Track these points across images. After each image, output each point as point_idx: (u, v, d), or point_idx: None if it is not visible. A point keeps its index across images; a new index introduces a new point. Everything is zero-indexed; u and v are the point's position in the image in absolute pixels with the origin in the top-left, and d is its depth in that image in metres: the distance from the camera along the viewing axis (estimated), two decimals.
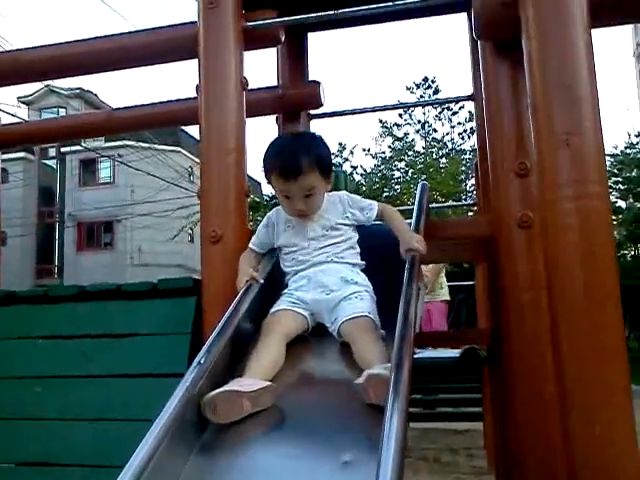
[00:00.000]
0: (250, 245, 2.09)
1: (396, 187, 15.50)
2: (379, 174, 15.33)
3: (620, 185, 17.14)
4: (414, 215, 2.27)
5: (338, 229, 1.95)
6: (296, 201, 1.89)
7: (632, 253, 19.08)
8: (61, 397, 2.31)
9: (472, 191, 14.55)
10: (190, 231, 19.59)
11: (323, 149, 1.95)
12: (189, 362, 2.16)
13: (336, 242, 1.94)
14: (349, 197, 2.02)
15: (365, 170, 15.59)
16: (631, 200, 17.10)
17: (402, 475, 1.08)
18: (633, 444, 1.65)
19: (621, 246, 18.79)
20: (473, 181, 15.06)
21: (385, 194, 14.41)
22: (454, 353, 6.33)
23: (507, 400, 2.82)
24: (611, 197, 18.08)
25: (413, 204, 2.43)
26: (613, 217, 18.97)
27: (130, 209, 23.74)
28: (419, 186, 2.55)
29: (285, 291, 1.96)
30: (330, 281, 1.87)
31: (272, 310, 1.88)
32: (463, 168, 15.31)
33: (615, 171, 17.11)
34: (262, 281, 1.92)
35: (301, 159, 1.83)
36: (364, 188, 15.04)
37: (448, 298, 6.81)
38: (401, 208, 3.22)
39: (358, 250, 1.99)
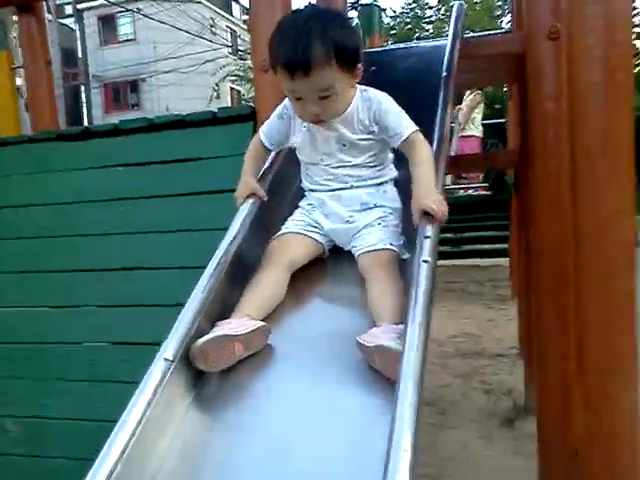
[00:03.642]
0: (260, 134, 1.69)
1: (427, 28, 14.85)
2: (410, 13, 14.64)
3: None
4: (448, 42, 2.40)
5: (359, 145, 1.53)
6: (308, 104, 1.44)
7: None
8: (144, 214, 2.69)
9: (509, 31, 13.93)
10: (216, 87, 19.43)
11: (345, 31, 1.42)
12: None
13: (356, 163, 1.55)
14: (382, 105, 1.51)
15: (394, 11, 14.96)
16: None
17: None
18: None
19: None
20: (509, 17, 14.38)
21: (416, 34, 13.88)
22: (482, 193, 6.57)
23: (530, 221, 3.14)
24: None
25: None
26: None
27: (154, 66, 23.39)
28: (455, 7, 2.57)
29: (299, 206, 1.66)
30: (348, 209, 1.56)
31: (280, 232, 1.60)
32: (499, 3, 14.49)
33: None
34: (265, 198, 1.62)
35: (312, 46, 1.34)
36: (394, 30, 14.49)
37: (481, 135, 6.89)
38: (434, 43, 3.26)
39: (388, 158, 1.62)
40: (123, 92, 25.04)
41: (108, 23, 24.72)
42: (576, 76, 2.07)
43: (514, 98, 4.77)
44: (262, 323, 1.34)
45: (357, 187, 1.56)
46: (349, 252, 1.56)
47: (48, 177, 2.88)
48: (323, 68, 1.37)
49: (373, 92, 1.53)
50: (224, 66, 16.89)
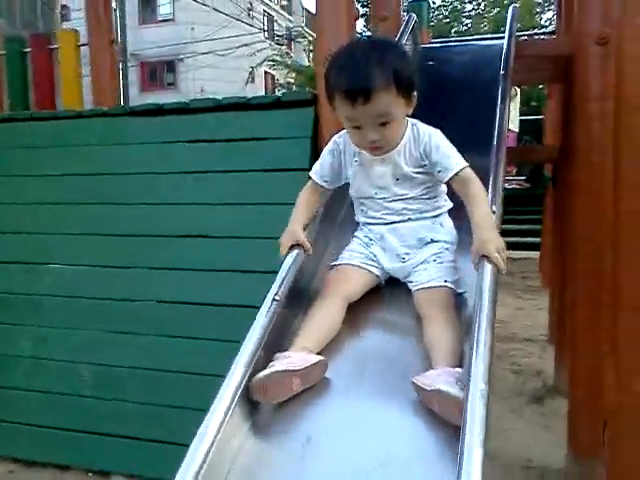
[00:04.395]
0: (311, 175, 1.66)
1: (466, 22, 14.86)
2: (450, 6, 14.66)
3: None
4: (505, 42, 2.57)
5: (414, 179, 1.54)
6: (368, 131, 1.45)
7: None
8: (209, 187, 2.93)
9: (547, 25, 13.90)
10: (250, 69, 19.59)
11: (403, 59, 1.46)
12: (310, 161, 2.75)
13: (413, 196, 1.55)
14: (431, 139, 1.52)
15: (434, 2, 14.96)
16: None
17: None
18: None
19: None
20: (549, 15, 14.35)
21: (454, 29, 13.91)
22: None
23: (568, 214, 3.30)
24: None
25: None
26: None
27: (191, 47, 23.66)
28: (510, 9, 2.77)
29: (356, 236, 1.66)
30: (404, 244, 1.56)
31: (338, 261, 1.60)
32: (539, 0, 14.43)
33: None
34: (310, 251, 1.57)
35: (373, 74, 1.37)
36: (432, 23, 14.50)
37: (517, 130, 6.96)
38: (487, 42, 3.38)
39: (442, 190, 1.60)
40: (160, 71, 25.29)
41: (148, 3, 25.02)
42: (623, 80, 2.22)
43: (555, 97, 4.90)
44: (320, 358, 1.32)
45: (414, 220, 1.56)
46: (405, 283, 1.57)
47: (122, 149, 3.14)
48: (383, 93, 1.39)
49: (423, 127, 1.55)
50: (260, 50, 17.06)
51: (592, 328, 2.60)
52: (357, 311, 1.51)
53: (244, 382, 1.23)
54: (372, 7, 3.82)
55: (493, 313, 1.20)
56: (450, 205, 1.62)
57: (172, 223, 2.93)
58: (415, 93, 1.48)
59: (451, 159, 1.49)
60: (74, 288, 2.98)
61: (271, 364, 1.27)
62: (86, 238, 3.06)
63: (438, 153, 1.50)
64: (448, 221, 1.61)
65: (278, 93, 16.23)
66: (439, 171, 1.50)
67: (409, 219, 1.56)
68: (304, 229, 1.59)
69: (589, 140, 2.71)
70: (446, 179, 1.50)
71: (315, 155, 2.74)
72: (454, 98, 2.61)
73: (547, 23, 14.11)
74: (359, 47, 1.47)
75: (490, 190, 1.66)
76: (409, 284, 1.54)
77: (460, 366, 1.25)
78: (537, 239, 6.27)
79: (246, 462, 1.18)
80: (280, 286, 1.44)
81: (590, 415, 2.61)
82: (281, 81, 19.31)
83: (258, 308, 2.59)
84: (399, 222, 1.57)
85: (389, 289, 1.60)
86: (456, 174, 1.48)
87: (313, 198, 1.66)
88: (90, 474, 2.68)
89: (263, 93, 20.55)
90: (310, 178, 1.67)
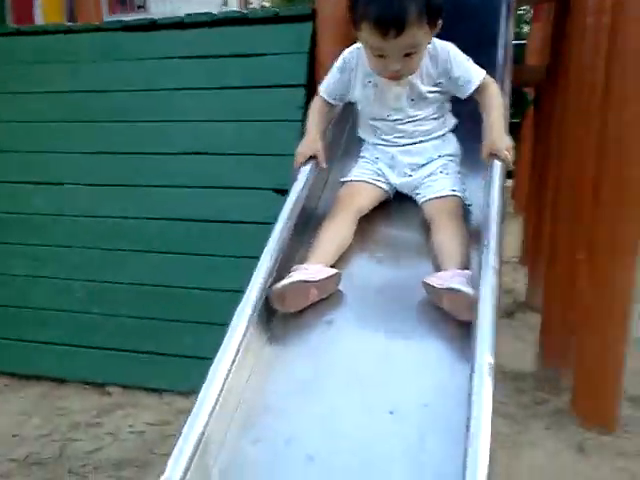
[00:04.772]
0: (320, 92, 1.70)
1: None
2: None
3: None
4: None
5: (427, 99, 1.58)
6: (392, 62, 1.46)
7: None
8: (198, 105, 2.96)
9: None
10: None
11: None
12: (307, 77, 2.81)
13: (425, 116, 1.60)
14: (450, 55, 1.55)
15: None
16: None
17: None
18: None
19: None
20: None
21: None
22: None
23: (551, 137, 3.43)
24: None
25: None
26: None
27: None
28: None
29: (364, 156, 1.71)
30: (414, 163, 1.62)
31: (348, 178, 1.66)
32: None
33: None
34: (325, 165, 1.62)
35: (408, 6, 1.35)
36: None
37: None
38: None
39: (448, 109, 1.67)
40: None
41: None
42: None
43: (542, 19, 4.92)
44: (335, 270, 1.39)
45: (425, 141, 1.61)
46: (411, 197, 1.64)
47: (116, 65, 3.13)
48: (415, 26, 1.37)
49: (438, 44, 1.54)
50: None
51: (571, 240, 2.80)
52: (366, 225, 1.57)
53: (263, 292, 1.29)
54: None
55: (503, 209, 1.31)
56: (455, 121, 1.68)
57: (169, 140, 2.97)
58: (441, 20, 1.47)
59: (471, 72, 1.54)
60: (70, 207, 3.02)
61: (290, 274, 1.33)
62: (81, 156, 3.07)
63: (459, 68, 1.54)
64: (453, 137, 1.67)
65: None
66: (461, 85, 1.54)
67: (420, 141, 1.61)
68: (321, 138, 1.63)
69: (580, 57, 2.80)
70: (468, 93, 1.54)
71: (311, 70, 2.82)
72: (459, 15, 2.64)
73: None
74: None
75: None
76: (417, 196, 1.60)
77: (469, 268, 1.31)
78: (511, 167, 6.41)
79: (265, 368, 1.25)
80: (294, 203, 1.48)
81: (561, 321, 2.87)
82: (254, 4, 18.61)
83: (260, 224, 2.72)
84: (411, 144, 1.61)
85: (396, 203, 1.66)
86: (478, 86, 1.53)
87: (323, 113, 1.68)
88: (86, 386, 2.78)
89: None
90: (319, 95, 1.69)
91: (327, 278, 1.35)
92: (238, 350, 1.17)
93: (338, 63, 1.65)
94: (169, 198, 2.90)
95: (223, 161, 2.88)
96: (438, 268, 1.36)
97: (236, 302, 2.80)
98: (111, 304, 2.86)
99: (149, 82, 3.06)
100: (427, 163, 1.60)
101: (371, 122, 1.66)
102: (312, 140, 1.61)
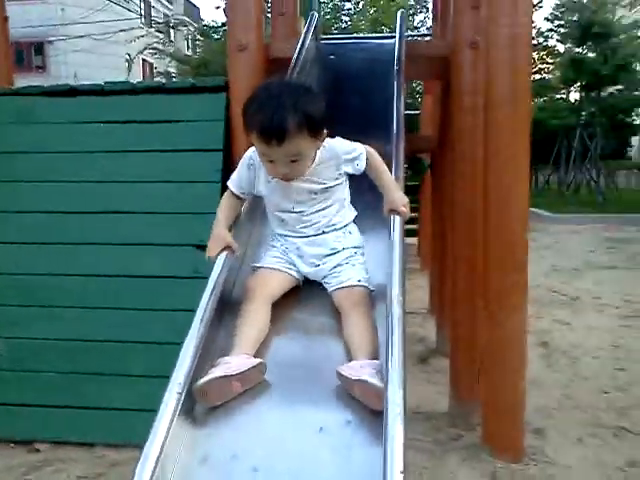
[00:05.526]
0: (229, 185, 1.80)
1: (346, 19, 15.51)
2: (330, 3, 15.20)
3: (561, 29, 17.79)
4: (396, 42, 2.97)
5: (328, 191, 1.71)
6: (280, 166, 1.59)
7: (564, 96, 20.38)
8: (120, 167, 3.08)
9: (419, 27, 14.96)
10: (128, 57, 18.91)
11: (315, 103, 1.58)
12: (224, 142, 3.00)
13: (326, 206, 1.72)
14: (344, 150, 1.72)
15: None
16: (569, 45, 17.87)
17: None
18: None
19: (554, 89, 19.99)
20: (421, 17, 15.42)
21: (336, 26, 14.48)
22: None
23: (445, 199, 3.80)
24: (551, 40, 18.79)
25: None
26: (550, 60, 19.93)
27: (62, 29, 22.41)
28: (398, 15, 3.18)
29: (274, 245, 1.79)
30: (320, 254, 1.72)
31: (258, 264, 1.74)
32: (412, 2, 15.41)
33: (557, 14, 17.67)
34: (238, 253, 1.72)
35: (286, 119, 1.49)
36: None
37: None
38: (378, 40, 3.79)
39: (348, 202, 1.81)
40: (27, 53, 23.66)
41: None
42: (490, 78, 2.70)
43: (432, 92, 5.48)
44: (259, 360, 1.43)
45: (327, 232, 1.72)
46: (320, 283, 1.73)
47: (36, 128, 3.19)
48: (296, 137, 1.51)
49: (330, 144, 1.70)
50: (140, 37, 16.59)
51: (469, 290, 3.10)
52: (279, 311, 1.64)
53: (185, 388, 1.32)
54: (271, 2, 4.10)
55: (404, 254, 1.52)
56: (355, 213, 1.82)
57: (89, 200, 3.04)
58: (326, 130, 1.62)
59: (356, 151, 1.72)
60: None
61: (211, 370, 1.38)
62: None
63: (348, 154, 1.71)
64: (355, 228, 1.80)
65: (159, 79, 15.92)
66: (357, 164, 1.72)
67: (323, 232, 1.72)
68: (230, 231, 1.73)
69: (462, 131, 3.21)
70: (364, 166, 1.72)
71: (228, 137, 3.02)
72: (354, 89, 2.97)
73: (419, 25, 15.20)
74: (275, 89, 1.57)
75: (393, 173, 1.99)
76: (326, 285, 1.70)
77: (377, 358, 1.42)
78: (415, 226, 6.89)
79: (188, 458, 1.28)
80: (212, 291, 1.55)
81: (467, 362, 3.12)
82: (160, 69, 18.88)
83: (175, 278, 2.81)
84: (314, 235, 1.72)
85: (307, 289, 1.75)
86: (366, 158, 1.73)
87: (233, 205, 1.79)
88: (12, 444, 2.72)
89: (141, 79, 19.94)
90: (228, 188, 1.80)
91: (250, 369, 1.39)
92: (166, 438, 1.24)
93: (245, 160, 1.76)
94: (91, 255, 2.95)
95: (144, 219, 2.98)
96: (351, 356, 1.47)
97: (156, 353, 2.83)
98: (33, 361, 2.84)
99: (70, 145, 3.12)
100: (332, 254, 1.71)
101: (277, 213, 1.75)
102: (220, 232, 1.70)
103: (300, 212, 1.71)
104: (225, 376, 1.35)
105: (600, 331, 4.57)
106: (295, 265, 1.73)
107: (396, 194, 1.69)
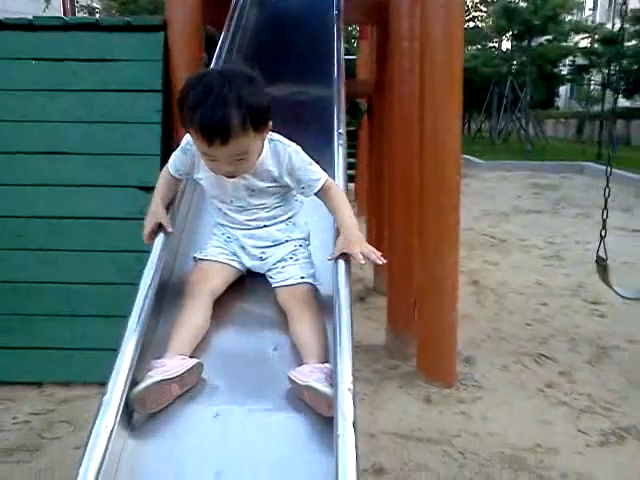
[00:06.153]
0: (168, 165, 1.67)
1: None
2: None
3: None
4: None
5: (266, 192, 1.57)
6: (223, 164, 1.44)
7: (496, 45, 20.73)
8: (58, 106, 2.96)
9: None
10: None
11: (258, 93, 1.39)
12: (163, 82, 2.94)
13: (266, 206, 1.59)
14: (292, 160, 1.53)
15: None
16: None
17: None
18: None
19: (487, 38, 20.29)
20: None
21: None
22: None
23: (383, 142, 3.89)
24: None
25: None
26: (484, 8, 20.09)
27: None
28: None
29: (215, 233, 1.69)
30: (261, 247, 1.62)
31: (199, 255, 1.63)
32: None
33: None
34: (171, 230, 1.62)
35: (230, 117, 1.32)
36: None
37: None
38: None
39: (293, 194, 1.64)
40: None
41: None
42: (427, 24, 2.76)
43: (368, 37, 5.48)
44: (195, 361, 1.35)
45: (269, 225, 1.61)
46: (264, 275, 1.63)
47: None
48: (241, 136, 1.35)
49: (282, 145, 1.52)
50: None
51: (406, 230, 3.24)
52: (222, 304, 1.54)
53: (124, 395, 1.22)
54: None
55: (351, 311, 1.32)
56: (302, 204, 1.68)
57: (28, 140, 2.94)
58: (270, 122, 1.46)
59: (312, 175, 1.53)
60: None
61: (148, 374, 1.28)
62: None
63: (300, 171, 1.52)
64: (300, 219, 1.68)
65: (80, 15, 14.94)
66: (302, 188, 1.55)
67: (264, 225, 1.61)
68: (166, 210, 1.64)
69: (400, 75, 3.28)
70: (310, 196, 1.57)
71: (167, 78, 2.96)
72: (293, 32, 2.96)
73: None
74: (215, 80, 1.36)
75: (335, 117, 2.05)
76: (269, 279, 1.60)
77: (327, 360, 1.36)
78: (352, 171, 6.99)
79: (129, 466, 1.19)
80: (152, 277, 1.46)
81: (404, 299, 3.29)
82: (83, 3, 17.75)
83: (117, 219, 2.80)
84: (254, 228, 1.61)
85: (250, 280, 1.64)
86: (320, 189, 1.53)
87: (170, 185, 1.68)
88: None
89: (62, 15, 18.69)
90: (166, 168, 1.68)
91: (188, 370, 1.32)
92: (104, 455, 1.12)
93: (183, 143, 1.60)
94: (26, 196, 2.89)
95: (84, 160, 2.92)
96: (301, 357, 1.39)
97: (101, 293, 2.82)
98: None
99: (2, 82, 2.98)
100: (274, 245, 1.61)
101: (216, 203, 1.64)
102: (155, 209, 1.63)
103: (238, 207, 1.59)
104: (163, 380, 1.27)
105: (525, 270, 4.87)
106: (238, 256, 1.62)
107: (354, 232, 1.48)
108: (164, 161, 2.85)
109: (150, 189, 2.70)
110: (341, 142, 1.90)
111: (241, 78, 1.38)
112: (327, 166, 1.66)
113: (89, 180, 2.88)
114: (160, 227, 1.60)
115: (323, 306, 1.50)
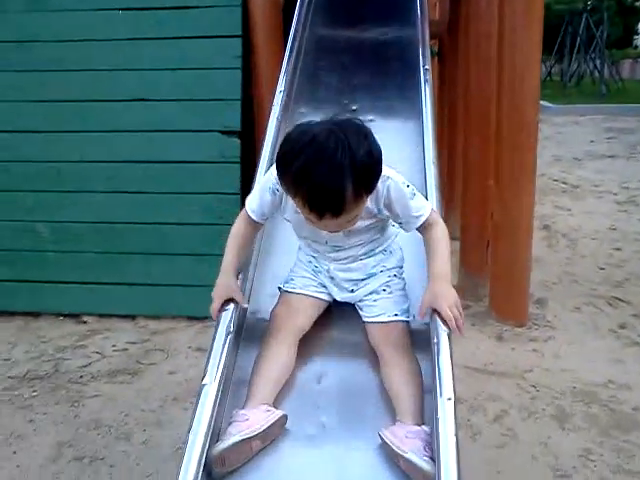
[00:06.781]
0: (248, 211, 1.44)
1: None
2: None
3: None
4: None
5: (364, 229, 1.39)
6: (330, 228, 1.30)
7: None
8: (147, 53, 3.09)
9: None
10: None
11: (374, 154, 1.19)
12: (243, 28, 3.01)
13: (361, 242, 1.42)
14: (390, 194, 1.32)
15: None
16: None
17: None
18: None
19: None
20: None
21: None
22: None
23: (458, 83, 3.84)
24: None
25: None
26: None
27: None
28: None
29: (300, 260, 1.52)
30: (354, 279, 1.45)
31: (285, 287, 1.47)
32: None
33: None
34: (245, 306, 1.46)
35: (345, 190, 1.14)
36: None
37: None
38: None
39: (390, 223, 1.45)
40: None
41: None
42: None
43: None
44: (280, 413, 1.21)
45: (365, 259, 1.45)
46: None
47: (48, 16, 3.16)
48: (354, 206, 1.19)
49: (380, 179, 1.27)
50: None
51: (481, 171, 3.25)
52: (308, 338, 1.39)
53: (204, 454, 1.10)
54: None
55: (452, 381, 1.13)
56: (398, 231, 1.49)
57: (116, 88, 3.10)
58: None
59: (413, 212, 1.34)
60: (22, 153, 3.11)
61: (229, 431, 1.16)
62: (25, 105, 3.14)
63: (399, 206, 1.33)
64: (396, 245, 1.51)
65: None
66: (401, 223, 1.38)
67: (360, 259, 1.45)
68: (237, 276, 1.44)
69: (477, 12, 3.22)
70: (411, 230, 1.39)
71: (245, 22, 3.03)
72: None
73: None
74: (325, 141, 1.14)
75: (420, 54, 2.07)
76: (360, 311, 1.46)
77: (423, 418, 1.22)
78: None
79: None
80: (219, 363, 1.24)
81: (477, 240, 3.33)
82: None
83: (202, 163, 2.95)
84: (349, 262, 1.45)
85: (339, 310, 1.48)
86: (422, 224, 1.36)
87: (248, 233, 1.48)
88: (61, 317, 3.00)
89: None
90: (246, 213, 1.44)
91: (271, 425, 1.18)
92: None
93: (268, 184, 1.39)
94: (120, 142, 3.06)
95: (168, 107, 3.06)
96: (394, 410, 1.25)
97: (190, 232, 2.85)
98: (73, 241, 3.05)
99: (86, 33, 3.12)
100: (367, 278, 1.45)
101: (304, 239, 1.48)
102: (226, 280, 1.40)
103: (334, 246, 1.42)
104: (245, 439, 1.14)
105: (598, 215, 4.79)
106: (326, 287, 1.47)
107: (444, 286, 1.27)
108: (244, 107, 3.01)
109: (232, 133, 2.92)
110: (427, 78, 1.93)
111: (354, 135, 1.16)
112: (413, 103, 1.71)
113: (178, 125, 3.02)
114: (230, 301, 1.37)
115: (414, 340, 1.37)
